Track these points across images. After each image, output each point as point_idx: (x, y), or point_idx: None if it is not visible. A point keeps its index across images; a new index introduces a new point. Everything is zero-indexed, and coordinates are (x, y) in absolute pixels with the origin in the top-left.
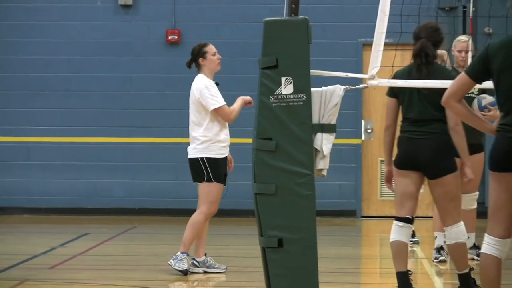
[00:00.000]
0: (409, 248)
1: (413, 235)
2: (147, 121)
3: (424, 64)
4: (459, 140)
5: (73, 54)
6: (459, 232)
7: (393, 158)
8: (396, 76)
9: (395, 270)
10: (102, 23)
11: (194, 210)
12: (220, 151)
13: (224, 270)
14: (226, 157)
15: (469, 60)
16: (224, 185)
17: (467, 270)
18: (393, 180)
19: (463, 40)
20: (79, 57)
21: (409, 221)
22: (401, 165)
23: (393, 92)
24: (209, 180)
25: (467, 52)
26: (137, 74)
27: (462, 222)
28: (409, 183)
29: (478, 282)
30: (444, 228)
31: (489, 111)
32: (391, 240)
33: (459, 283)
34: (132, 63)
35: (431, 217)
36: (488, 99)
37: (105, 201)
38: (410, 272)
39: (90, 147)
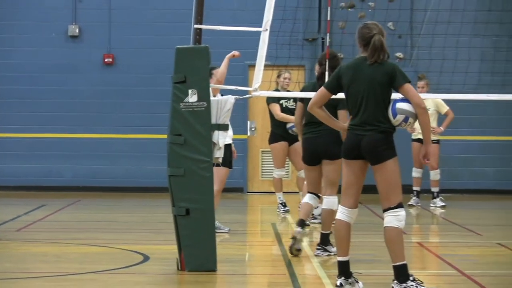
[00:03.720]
0: (282, 216)
1: (284, 205)
2: (89, 121)
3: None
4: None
5: (32, 72)
6: (334, 202)
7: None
8: (304, 88)
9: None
10: (55, 49)
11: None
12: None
13: (228, 231)
14: (230, 145)
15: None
16: (230, 168)
17: (328, 232)
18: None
19: (288, 73)
20: (37, 74)
21: (317, 195)
22: (306, 161)
23: (301, 99)
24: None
25: (290, 79)
26: (81, 87)
27: (336, 196)
28: (314, 174)
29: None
30: (324, 196)
31: None
32: (302, 201)
33: (319, 241)
34: (77, 79)
35: (298, 192)
36: None
37: (57, 181)
38: (307, 223)
39: (46, 141)
